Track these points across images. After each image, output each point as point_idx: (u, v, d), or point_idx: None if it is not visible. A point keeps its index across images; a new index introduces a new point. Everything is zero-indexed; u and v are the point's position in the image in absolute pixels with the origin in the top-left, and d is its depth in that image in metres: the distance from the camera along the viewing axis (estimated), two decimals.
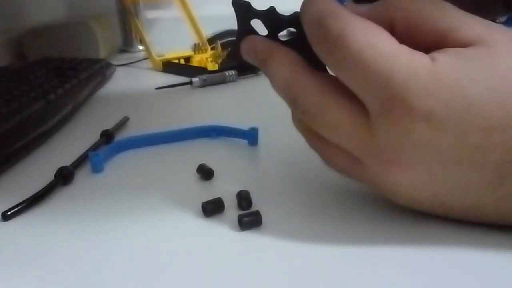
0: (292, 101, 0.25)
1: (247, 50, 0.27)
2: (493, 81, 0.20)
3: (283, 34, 0.27)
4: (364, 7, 0.24)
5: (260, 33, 0.27)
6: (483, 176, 0.21)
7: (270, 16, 0.27)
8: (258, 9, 0.27)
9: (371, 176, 0.24)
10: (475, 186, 0.22)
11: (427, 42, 0.22)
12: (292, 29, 0.27)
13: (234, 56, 0.29)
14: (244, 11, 0.27)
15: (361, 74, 0.21)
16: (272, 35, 0.27)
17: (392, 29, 0.23)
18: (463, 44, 0.21)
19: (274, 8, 0.27)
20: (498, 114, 0.20)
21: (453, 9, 0.22)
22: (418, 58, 0.21)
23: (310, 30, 0.23)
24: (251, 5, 0.27)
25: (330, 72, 0.24)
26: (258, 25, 0.27)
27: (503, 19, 0.89)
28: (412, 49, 0.21)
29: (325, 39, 0.22)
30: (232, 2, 0.27)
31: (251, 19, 0.28)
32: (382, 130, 0.22)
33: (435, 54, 0.21)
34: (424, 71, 0.20)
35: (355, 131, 0.23)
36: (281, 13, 0.27)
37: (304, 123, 0.25)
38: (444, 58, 0.21)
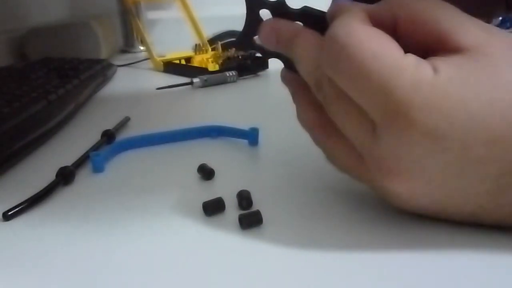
0: (317, 83, 0.25)
1: (269, 31, 0.27)
2: (494, 93, 0.20)
3: None
4: (370, 6, 0.24)
5: None
6: (484, 187, 0.21)
7: (280, 8, 0.27)
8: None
9: (371, 178, 0.24)
10: (475, 195, 0.22)
11: (427, 41, 0.22)
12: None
13: (240, 44, 0.29)
14: (254, 0, 0.27)
15: (364, 85, 0.21)
16: None
17: (395, 26, 0.23)
18: (463, 47, 0.21)
19: (284, 0, 0.27)
20: (499, 126, 0.20)
21: (456, 11, 0.22)
22: (421, 71, 0.21)
23: (328, 15, 0.24)
24: None
25: None
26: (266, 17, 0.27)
27: (497, 22, 0.89)
28: (416, 59, 0.21)
29: (331, 48, 0.22)
30: None
31: (260, 8, 0.27)
32: (384, 140, 0.22)
33: (437, 64, 0.21)
34: (427, 85, 0.20)
35: (362, 130, 0.23)
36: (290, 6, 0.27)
37: (311, 118, 0.26)
38: (446, 70, 0.21)
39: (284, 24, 0.26)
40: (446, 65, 0.21)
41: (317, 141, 0.27)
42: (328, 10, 0.25)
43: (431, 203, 0.23)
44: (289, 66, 0.29)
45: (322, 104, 0.25)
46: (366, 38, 0.21)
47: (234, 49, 0.70)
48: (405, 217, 0.25)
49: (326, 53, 0.23)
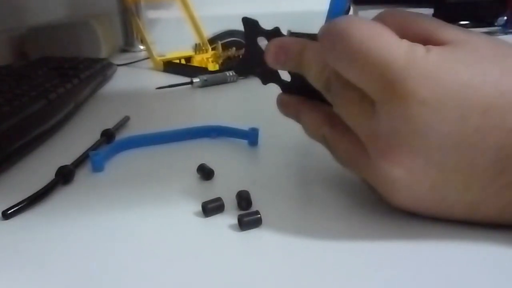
0: (326, 84, 0.26)
1: (277, 49, 0.28)
2: (482, 64, 0.22)
3: None
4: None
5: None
6: (483, 164, 0.22)
7: (275, 35, 0.29)
8: (265, 28, 0.30)
9: (373, 169, 0.24)
10: (475, 176, 0.22)
11: (414, 41, 0.23)
12: None
13: (241, 70, 0.32)
14: (252, 28, 0.30)
15: (362, 63, 0.23)
16: None
17: None
18: (446, 41, 0.23)
19: (279, 28, 0.29)
20: (492, 94, 0.21)
21: (435, 18, 0.25)
22: (415, 49, 0.22)
23: (319, 33, 0.25)
24: (258, 24, 0.30)
25: None
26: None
27: (501, 21, 0.89)
28: (409, 42, 0.23)
29: (330, 34, 0.24)
30: (242, 19, 0.30)
31: (258, 36, 0.30)
32: (384, 117, 0.23)
33: (428, 46, 0.23)
34: (421, 59, 0.22)
35: (363, 112, 0.24)
36: (284, 32, 0.29)
37: (320, 121, 0.28)
38: (437, 49, 0.22)
39: (291, 41, 0.28)
40: (436, 47, 0.23)
41: (324, 139, 0.28)
42: (320, 30, 0.26)
43: (431, 190, 0.23)
44: (286, 89, 0.31)
45: (326, 110, 0.27)
46: (363, 23, 0.23)
47: (234, 48, 0.70)
48: (405, 215, 0.25)
49: (325, 40, 0.24)
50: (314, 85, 0.27)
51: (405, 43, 0.23)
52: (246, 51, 0.31)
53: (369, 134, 0.24)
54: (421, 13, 0.25)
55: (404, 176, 0.23)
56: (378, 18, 0.26)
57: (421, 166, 0.22)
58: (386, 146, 0.23)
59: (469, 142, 0.22)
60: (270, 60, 0.29)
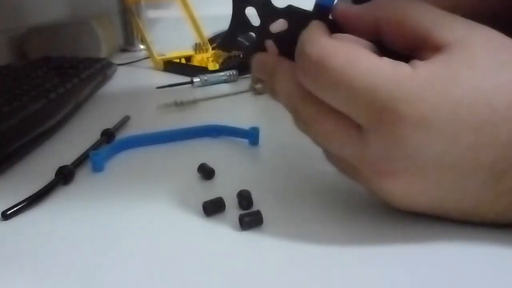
0: (294, 111, 0.25)
1: (258, 61, 0.28)
2: (475, 81, 0.21)
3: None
4: (354, 7, 0.25)
5: (253, 24, 0.28)
6: (479, 177, 0.22)
7: (265, 6, 0.27)
8: None
9: (366, 181, 0.24)
10: (472, 188, 0.22)
11: (409, 41, 0.23)
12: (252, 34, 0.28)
13: (225, 43, 0.29)
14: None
15: (347, 93, 0.22)
16: (264, 25, 0.27)
17: (377, 27, 0.24)
18: (443, 44, 0.22)
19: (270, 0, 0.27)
20: (485, 111, 0.21)
21: (435, 10, 0.23)
22: (400, 68, 0.21)
23: (296, 59, 0.24)
24: None
25: None
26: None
27: None
28: (393, 60, 0.22)
29: (307, 65, 0.23)
30: None
31: (246, 6, 0.28)
32: (376, 142, 0.22)
33: (414, 63, 0.22)
34: (408, 79, 0.21)
35: (348, 142, 0.23)
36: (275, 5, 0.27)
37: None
38: (425, 66, 0.21)
39: (268, 57, 0.27)
40: (423, 62, 0.22)
41: (315, 143, 0.27)
42: (298, 44, 0.24)
43: (428, 200, 0.23)
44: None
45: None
46: (339, 49, 0.22)
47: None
48: (406, 216, 0.25)
49: (304, 72, 0.23)
50: (284, 106, 0.26)
51: (387, 64, 0.22)
52: (232, 24, 0.28)
53: (359, 157, 0.23)
54: (422, 2, 0.23)
55: (401, 189, 0.23)
56: (376, 5, 0.24)
57: (417, 183, 0.22)
58: (379, 170, 0.22)
59: (463, 160, 0.21)
60: (255, 69, 0.28)
